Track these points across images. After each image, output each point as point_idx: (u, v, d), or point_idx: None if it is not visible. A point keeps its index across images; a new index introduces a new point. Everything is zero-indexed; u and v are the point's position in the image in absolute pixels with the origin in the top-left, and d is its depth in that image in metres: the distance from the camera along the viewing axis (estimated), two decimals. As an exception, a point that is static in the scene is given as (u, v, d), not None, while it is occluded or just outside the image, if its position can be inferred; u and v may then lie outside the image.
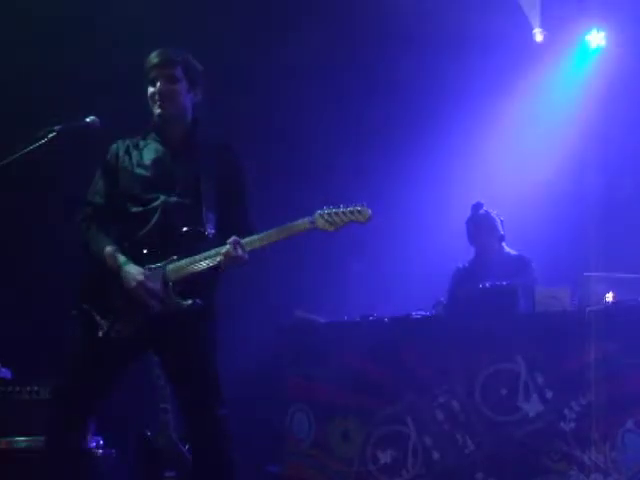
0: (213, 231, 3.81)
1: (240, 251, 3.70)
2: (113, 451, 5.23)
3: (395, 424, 5.31)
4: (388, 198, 7.05)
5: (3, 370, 5.44)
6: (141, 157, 3.93)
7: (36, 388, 5.19)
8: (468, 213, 6.12)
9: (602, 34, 7.16)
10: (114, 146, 4.01)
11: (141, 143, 3.97)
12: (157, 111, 3.89)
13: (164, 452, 5.28)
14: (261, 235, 3.75)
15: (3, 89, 6.25)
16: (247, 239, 3.74)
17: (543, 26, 7.13)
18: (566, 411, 4.92)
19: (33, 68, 6.31)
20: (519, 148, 7.12)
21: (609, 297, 5.07)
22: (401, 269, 6.96)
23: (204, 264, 3.74)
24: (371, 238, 6.42)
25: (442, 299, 5.71)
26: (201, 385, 3.78)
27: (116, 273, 3.77)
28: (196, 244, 3.77)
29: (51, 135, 3.76)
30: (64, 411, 3.80)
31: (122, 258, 3.78)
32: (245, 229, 3.84)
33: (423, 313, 5.60)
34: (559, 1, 6.91)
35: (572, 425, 4.90)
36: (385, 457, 5.30)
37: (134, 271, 3.74)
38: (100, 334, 3.76)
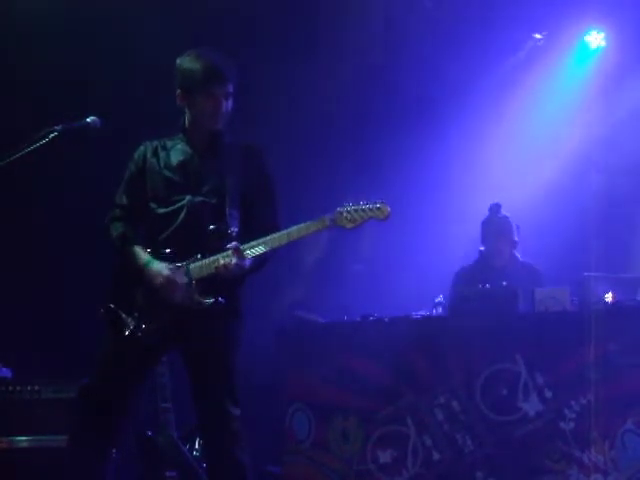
0: (237, 229, 3.83)
1: (234, 260, 3.70)
2: (113, 451, 5.22)
3: (395, 424, 5.31)
4: (388, 198, 7.05)
5: (3, 370, 5.45)
6: (168, 158, 3.94)
7: (37, 388, 5.19)
8: (469, 213, 6.12)
9: (602, 34, 7.17)
10: (142, 147, 4.03)
11: (169, 144, 3.99)
12: (213, 127, 3.90)
13: (164, 452, 5.28)
14: (281, 234, 3.75)
15: (3, 89, 6.26)
16: (267, 238, 3.74)
17: (543, 26, 7.13)
18: (566, 411, 4.93)
19: (33, 68, 6.32)
20: (519, 148, 7.13)
21: (609, 297, 5.08)
22: (401, 269, 6.96)
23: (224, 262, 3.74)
24: (371, 238, 6.42)
25: (442, 299, 5.71)
26: (218, 384, 3.80)
27: (141, 272, 3.79)
28: (220, 243, 3.79)
29: (52, 135, 3.76)
30: (91, 412, 3.83)
31: (146, 257, 3.82)
32: (271, 229, 3.85)
33: (423, 313, 5.60)
34: (559, 1, 6.91)
35: (572, 425, 4.91)
36: (385, 457, 5.30)
37: (159, 267, 3.77)
38: (127, 333, 3.79)
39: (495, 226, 5.99)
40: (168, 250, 3.82)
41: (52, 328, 6.36)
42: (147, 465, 5.32)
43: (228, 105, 3.90)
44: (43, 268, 6.51)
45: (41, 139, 3.75)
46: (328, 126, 7.10)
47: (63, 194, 6.60)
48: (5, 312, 6.23)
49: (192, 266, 3.79)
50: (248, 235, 3.84)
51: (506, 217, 6.02)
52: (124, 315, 3.82)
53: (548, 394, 4.99)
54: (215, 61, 3.86)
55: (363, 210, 3.69)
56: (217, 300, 3.77)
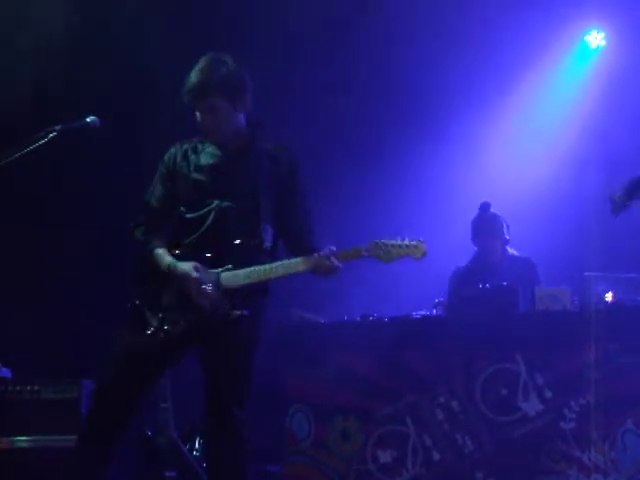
0: (270, 244, 3.82)
1: (334, 260, 3.70)
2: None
3: (395, 424, 5.31)
4: (388, 198, 7.07)
5: (4, 370, 5.45)
6: (198, 161, 3.91)
7: (37, 388, 5.19)
8: (469, 213, 6.12)
9: (602, 34, 7.17)
10: (172, 150, 3.99)
11: (199, 147, 3.95)
12: (212, 138, 3.89)
13: (164, 452, 5.28)
14: (322, 258, 3.73)
15: (4, 89, 6.26)
16: (313, 258, 3.72)
17: (543, 26, 7.13)
18: (566, 411, 4.93)
19: (33, 68, 6.32)
20: (519, 148, 7.13)
21: (608, 297, 5.07)
22: (401, 269, 6.95)
23: (257, 276, 3.74)
24: (371, 238, 6.41)
25: (442, 299, 5.71)
26: (230, 387, 3.79)
27: (167, 273, 3.78)
28: (253, 256, 3.77)
29: (51, 135, 3.76)
30: (106, 409, 3.81)
31: (169, 258, 3.79)
32: (309, 233, 3.89)
33: (423, 313, 5.60)
34: (559, 1, 6.91)
35: (572, 425, 4.91)
36: (385, 456, 5.30)
37: (187, 267, 3.75)
38: (149, 331, 3.78)
39: (485, 224, 5.99)
40: (198, 255, 3.78)
41: (52, 328, 6.37)
42: (147, 465, 5.32)
43: (215, 118, 3.82)
44: (43, 268, 6.51)
45: (41, 139, 3.74)
46: (328, 126, 7.09)
47: (63, 194, 6.61)
48: (5, 312, 6.23)
49: (224, 275, 3.76)
50: (286, 239, 3.88)
51: (495, 215, 6.01)
52: (149, 314, 3.81)
53: (548, 394, 5.00)
54: (201, 74, 3.79)
55: (400, 246, 3.70)
56: (243, 313, 3.75)
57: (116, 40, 6.34)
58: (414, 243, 3.70)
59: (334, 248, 3.73)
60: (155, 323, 3.78)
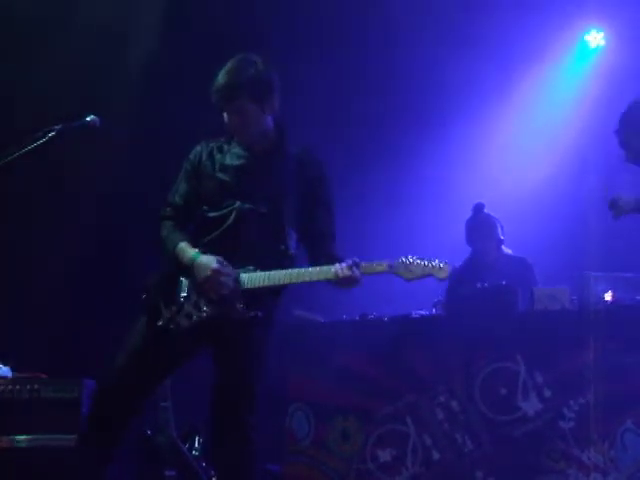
0: (293, 250, 3.82)
1: (357, 272, 3.69)
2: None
3: (395, 423, 5.31)
4: (388, 197, 7.07)
5: (3, 369, 5.45)
6: (223, 161, 3.89)
7: (36, 387, 5.19)
8: (469, 212, 6.12)
9: (602, 34, 7.17)
10: (198, 148, 3.98)
11: (225, 147, 3.93)
12: (241, 140, 3.87)
13: (164, 451, 5.28)
14: (344, 269, 3.71)
15: (4, 88, 6.27)
16: (336, 268, 3.70)
17: (543, 26, 7.14)
18: (565, 410, 4.93)
19: (34, 67, 6.33)
20: (519, 148, 7.13)
21: (609, 296, 5.07)
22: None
23: (278, 280, 3.72)
24: (371, 238, 6.42)
25: (441, 298, 5.72)
26: (239, 388, 3.78)
27: (187, 267, 3.76)
28: (276, 260, 3.77)
29: (51, 134, 3.76)
30: (108, 408, 3.80)
31: (193, 251, 3.77)
32: (329, 237, 3.89)
33: (423, 313, 5.60)
34: (559, 1, 6.91)
35: (571, 424, 4.91)
36: (385, 456, 5.30)
37: (208, 260, 3.73)
38: (160, 322, 3.76)
39: (478, 225, 5.99)
40: (214, 254, 3.76)
41: (52, 328, 6.37)
42: (147, 464, 5.32)
43: (243, 121, 3.80)
44: (43, 268, 6.52)
45: (41, 139, 3.75)
46: (328, 126, 7.10)
47: (63, 194, 6.61)
48: (5, 312, 6.23)
49: (243, 275, 3.74)
50: (307, 242, 3.87)
51: (489, 215, 6.00)
52: (162, 305, 3.79)
53: (547, 393, 5.00)
54: (229, 77, 3.76)
55: (425, 265, 3.68)
56: (257, 314, 3.75)
57: (116, 39, 6.34)
58: (440, 264, 3.69)
59: (358, 259, 3.71)
60: (167, 315, 3.77)
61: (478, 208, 6.00)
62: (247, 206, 3.80)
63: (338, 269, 3.69)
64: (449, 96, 7.10)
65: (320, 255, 3.86)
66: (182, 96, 6.24)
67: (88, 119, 3.89)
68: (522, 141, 7.13)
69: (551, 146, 7.02)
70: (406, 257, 3.70)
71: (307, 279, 3.75)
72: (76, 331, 6.40)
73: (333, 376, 5.48)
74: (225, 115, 3.83)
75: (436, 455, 5.21)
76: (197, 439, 5.53)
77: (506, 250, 6.06)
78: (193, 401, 4.41)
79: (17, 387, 5.19)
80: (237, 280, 3.74)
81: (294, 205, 3.84)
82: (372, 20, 6.99)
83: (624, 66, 6.86)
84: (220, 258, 3.73)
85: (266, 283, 3.73)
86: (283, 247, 3.80)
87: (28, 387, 5.18)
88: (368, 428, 5.37)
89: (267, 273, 3.73)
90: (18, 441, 5.08)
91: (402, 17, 6.88)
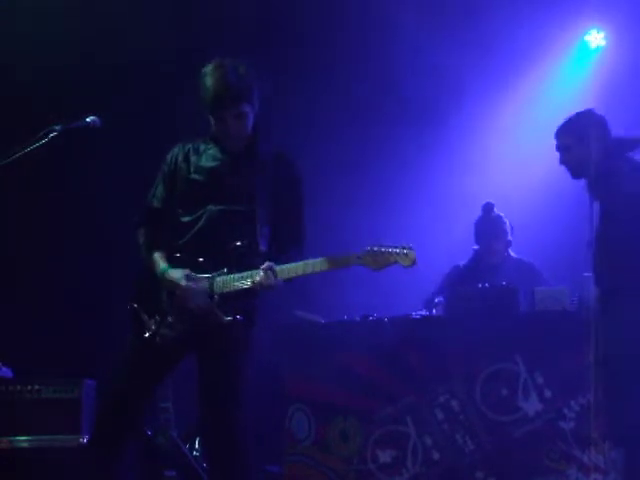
0: (266, 249, 3.80)
1: (270, 276, 3.66)
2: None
3: (395, 424, 5.31)
4: (388, 198, 7.07)
5: (4, 369, 5.46)
6: (198, 162, 3.89)
7: (37, 387, 5.20)
8: (469, 213, 6.11)
9: (602, 34, 7.17)
10: (175, 149, 3.98)
11: (201, 147, 3.93)
12: (230, 146, 3.85)
13: (164, 452, 5.28)
14: (303, 264, 3.72)
15: (4, 88, 6.27)
16: (288, 266, 3.71)
17: (543, 26, 7.13)
18: (565, 411, 4.93)
19: (34, 66, 6.33)
20: (519, 148, 7.12)
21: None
22: (401, 269, 6.95)
23: (249, 282, 3.71)
24: (371, 238, 6.41)
25: (441, 299, 5.72)
26: (227, 391, 3.78)
27: (160, 279, 3.79)
28: (249, 260, 3.75)
29: (51, 135, 3.76)
30: (109, 411, 3.83)
31: (164, 264, 3.80)
32: (295, 245, 3.87)
33: (423, 313, 5.60)
34: (559, 1, 6.91)
35: (571, 425, 4.92)
36: (385, 456, 5.30)
37: (177, 275, 3.75)
38: (146, 335, 3.79)
39: (489, 226, 5.98)
40: (191, 259, 3.78)
41: (52, 328, 6.37)
42: (147, 465, 5.32)
43: (242, 125, 3.81)
44: (43, 268, 6.52)
45: (41, 139, 3.74)
46: (328, 126, 7.10)
47: (63, 194, 6.61)
48: (5, 312, 6.23)
49: (217, 279, 3.75)
50: (274, 245, 3.85)
51: (500, 216, 6.00)
52: (146, 317, 3.82)
53: (548, 394, 5.00)
54: (226, 80, 3.74)
55: (389, 253, 3.65)
56: (235, 318, 3.74)
57: (116, 39, 6.34)
58: (405, 251, 3.64)
59: (272, 264, 3.68)
60: (152, 327, 3.80)
61: (488, 208, 5.99)
62: (218, 208, 3.80)
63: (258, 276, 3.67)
64: (449, 96, 7.10)
65: (280, 257, 3.82)
66: (182, 96, 6.25)
67: (88, 120, 3.89)
68: (522, 142, 7.13)
69: (552, 146, 7.00)
70: (371, 246, 3.67)
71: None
72: (76, 331, 6.40)
73: (333, 377, 5.48)
74: (222, 121, 3.80)
75: (436, 455, 5.21)
76: (197, 440, 5.53)
77: (512, 254, 6.04)
78: (193, 402, 4.39)
79: (18, 388, 5.20)
80: (211, 286, 3.74)
81: (268, 205, 3.83)
82: (372, 17, 6.98)
83: (624, 66, 6.86)
84: (189, 272, 3.74)
85: (241, 284, 3.72)
86: (255, 247, 3.79)
87: (29, 387, 5.19)
88: (368, 428, 5.37)
89: (239, 275, 3.73)
90: (18, 442, 5.08)
91: (402, 16, 6.88)
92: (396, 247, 3.65)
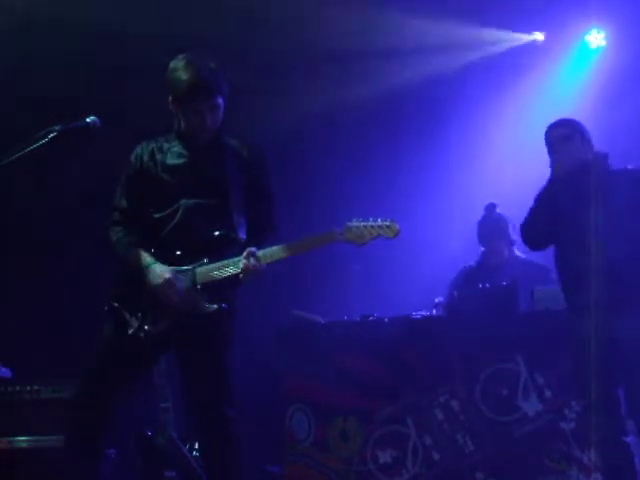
0: (244, 236, 3.82)
1: (253, 261, 3.70)
2: (113, 451, 5.23)
3: (395, 424, 5.31)
4: (388, 198, 7.06)
5: (3, 369, 5.45)
6: (165, 161, 3.91)
7: (36, 387, 5.19)
8: (469, 213, 6.11)
9: (602, 34, 7.16)
10: (138, 149, 4.00)
11: (165, 146, 3.95)
12: (202, 138, 3.88)
13: (164, 452, 5.28)
14: (286, 245, 3.75)
15: (4, 89, 6.26)
16: (271, 250, 3.74)
17: (543, 26, 7.13)
18: (566, 411, 4.93)
19: (33, 67, 6.32)
20: (519, 148, 7.12)
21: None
22: (401, 269, 6.96)
23: (232, 270, 3.75)
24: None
25: (442, 299, 5.71)
26: (215, 385, 3.80)
27: (142, 274, 3.79)
28: (228, 249, 3.79)
29: (51, 135, 3.75)
30: (89, 410, 3.82)
31: (148, 259, 3.81)
32: (268, 229, 3.89)
33: (423, 313, 5.60)
34: (559, 1, 6.91)
35: (572, 425, 4.92)
36: (385, 456, 5.30)
37: (160, 269, 3.77)
38: (130, 332, 3.79)
39: (491, 226, 5.99)
40: (171, 253, 3.80)
41: (52, 328, 6.37)
42: (146, 465, 5.31)
43: (216, 116, 3.86)
44: (43, 268, 6.52)
45: (41, 139, 3.74)
46: (328, 126, 7.10)
47: (63, 194, 6.61)
48: (5, 312, 6.23)
49: (198, 270, 3.78)
50: (251, 232, 3.86)
51: (502, 216, 6.01)
52: (127, 315, 3.82)
53: (548, 394, 5.00)
54: (201, 74, 3.78)
55: (372, 227, 3.69)
56: (221, 306, 3.77)
57: (116, 40, 6.33)
58: (387, 223, 3.70)
59: (253, 249, 3.72)
60: (135, 323, 3.80)
61: (490, 208, 6.02)
62: (193, 201, 3.83)
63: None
64: (448, 97, 7.10)
65: (259, 243, 3.84)
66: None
67: (88, 120, 3.88)
68: (522, 141, 7.12)
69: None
70: (350, 221, 3.72)
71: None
72: (76, 331, 6.38)
73: (333, 377, 5.49)
74: (192, 112, 3.82)
75: (436, 456, 5.21)
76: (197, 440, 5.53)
77: (517, 253, 6.03)
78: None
79: (17, 388, 5.20)
80: (193, 278, 3.77)
81: (240, 194, 3.86)
82: (372, 17, 6.97)
83: (625, 66, 6.86)
84: (173, 270, 3.76)
85: (222, 273, 3.76)
86: (233, 235, 3.81)
87: (28, 388, 5.19)
88: (368, 429, 5.37)
89: (219, 264, 3.76)
90: (18, 442, 5.08)
91: (402, 15, 6.88)
92: (377, 220, 3.70)
